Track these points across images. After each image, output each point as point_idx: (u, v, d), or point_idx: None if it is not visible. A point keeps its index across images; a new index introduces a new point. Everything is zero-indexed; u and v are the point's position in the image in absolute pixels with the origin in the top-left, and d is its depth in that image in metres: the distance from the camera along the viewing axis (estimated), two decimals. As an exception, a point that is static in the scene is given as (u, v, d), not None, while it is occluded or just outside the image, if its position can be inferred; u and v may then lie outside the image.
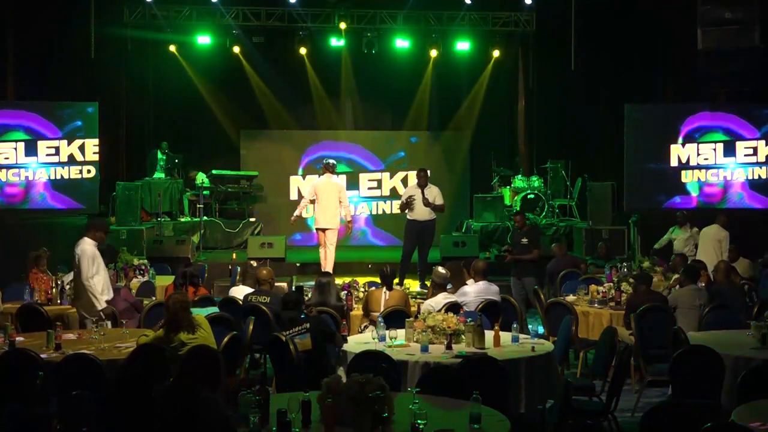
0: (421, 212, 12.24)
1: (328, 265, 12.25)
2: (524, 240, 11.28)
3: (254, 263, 11.85)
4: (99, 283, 8.56)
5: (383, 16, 16.80)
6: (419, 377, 6.21)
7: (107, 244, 13.33)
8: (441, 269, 9.02)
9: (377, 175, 17.75)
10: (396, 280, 10.39)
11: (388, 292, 8.81)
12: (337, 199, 12.28)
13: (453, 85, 18.03)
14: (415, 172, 12.99)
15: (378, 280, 9.60)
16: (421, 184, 12.26)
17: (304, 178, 17.51)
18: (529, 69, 17.84)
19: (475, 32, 17.13)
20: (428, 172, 12.71)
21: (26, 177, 14.92)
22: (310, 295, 9.10)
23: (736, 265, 10.80)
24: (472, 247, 14.48)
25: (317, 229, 12.48)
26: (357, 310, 9.20)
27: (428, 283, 11.70)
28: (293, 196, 17.34)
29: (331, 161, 12.62)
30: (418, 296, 10.36)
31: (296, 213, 12.61)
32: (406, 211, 12.32)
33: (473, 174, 17.86)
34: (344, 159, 17.63)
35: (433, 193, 12.23)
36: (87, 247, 8.58)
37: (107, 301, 8.57)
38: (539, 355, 6.79)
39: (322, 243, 12.43)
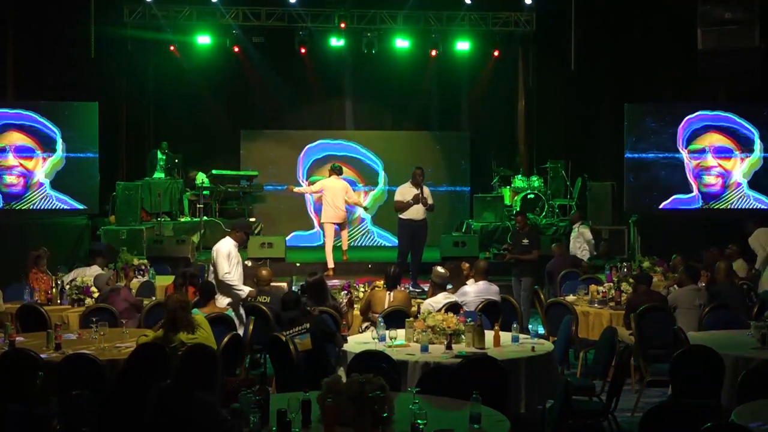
0: (416, 212, 12.29)
1: (344, 245, 13.97)
2: (525, 241, 11.28)
3: (249, 263, 11.87)
4: (235, 277, 8.72)
5: (383, 16, 16.80)
6: (419, 377, 6.20)
7: (107, 244, 13.48)
8: (440, 269, 9.01)
9: (377, 175, 17.74)
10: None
11: (392, 293, 8.78)
12: (342, 198, 13.52)
13: (453, 85, 18.03)
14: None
15: (378, 281, 9.63)
16: (419, 182, 12.27)
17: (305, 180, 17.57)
18: (529, 69, 17.84)
19: (475, 32, 17.13)
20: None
21: (26, 177, 14.93)
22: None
23: (733, 265, 10.77)
24: (472, 247, 14.47)
25: (324, 223, 13.61)
26: (357, 310, 9.18)
27: (420, 282, 11.75)
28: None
29: (337, 165, 14.08)
30: (419, 296, 10.35)
31: (298, 189, 14.65)
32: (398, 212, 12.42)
33: (473, 174, 17.85)
34: (344, 159, 17.64)
35: (426, 193, 12.31)
36: (223, 244, 8.79)
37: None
38: (539, 355, 6.79)
39: (328, 236, 13.58)
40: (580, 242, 13.14)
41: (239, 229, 9.10)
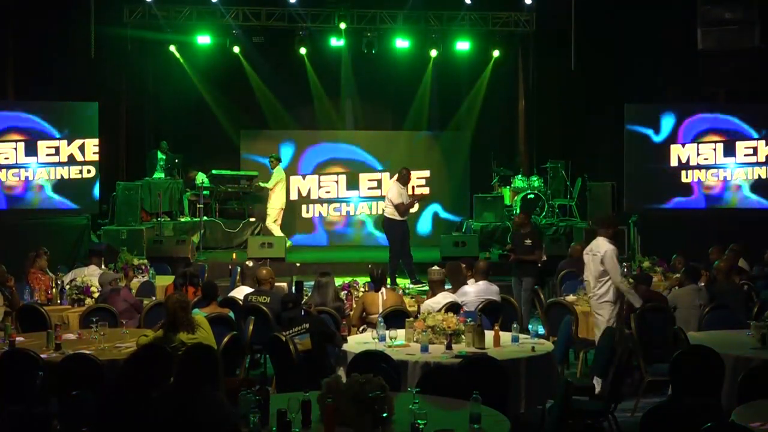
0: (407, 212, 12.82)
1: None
2: (528, 241, 11.27)
3: (250, 263, 11.87)
4: (624, 282, 8.26)
5: (383, 16, 16.79)
6: (419, 377, 6.20)
7: (106, 244, 13.47)
8: (436, 267, 9.05)
9: (377, 175, 17.74)
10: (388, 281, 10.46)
11: (384, 293, 8.77)
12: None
13: (453, 85, 18.02)
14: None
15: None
16: (408, 182, 12.52)
17: (304, 179, 17.56)
18: (529, 69, 17.82)
19: (475, 32, 17.13)
20: None
21: (26, 177, 14.92)
22: (309, 294, 9.09)
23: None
24: (472, 247, 14.47)
25: (282, 209, 15.64)
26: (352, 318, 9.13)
27: (420, 278, 11.80)
28: (293, 196, 17.36)
29: (275, 154, 16.07)
30: (419, 294, 10.35)
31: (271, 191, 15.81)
32: (391, 212, 12.66)
33: (473, 174, 17.84)
34: (344, 159, 17.64)
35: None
36: (605, 245, 8.25)
37: None
38: (539, 355, 6.79)
39: (278, 219, 15.53)
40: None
41: (608, 225, 8.34)
